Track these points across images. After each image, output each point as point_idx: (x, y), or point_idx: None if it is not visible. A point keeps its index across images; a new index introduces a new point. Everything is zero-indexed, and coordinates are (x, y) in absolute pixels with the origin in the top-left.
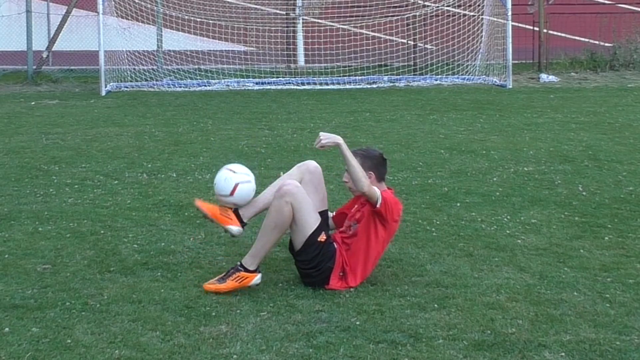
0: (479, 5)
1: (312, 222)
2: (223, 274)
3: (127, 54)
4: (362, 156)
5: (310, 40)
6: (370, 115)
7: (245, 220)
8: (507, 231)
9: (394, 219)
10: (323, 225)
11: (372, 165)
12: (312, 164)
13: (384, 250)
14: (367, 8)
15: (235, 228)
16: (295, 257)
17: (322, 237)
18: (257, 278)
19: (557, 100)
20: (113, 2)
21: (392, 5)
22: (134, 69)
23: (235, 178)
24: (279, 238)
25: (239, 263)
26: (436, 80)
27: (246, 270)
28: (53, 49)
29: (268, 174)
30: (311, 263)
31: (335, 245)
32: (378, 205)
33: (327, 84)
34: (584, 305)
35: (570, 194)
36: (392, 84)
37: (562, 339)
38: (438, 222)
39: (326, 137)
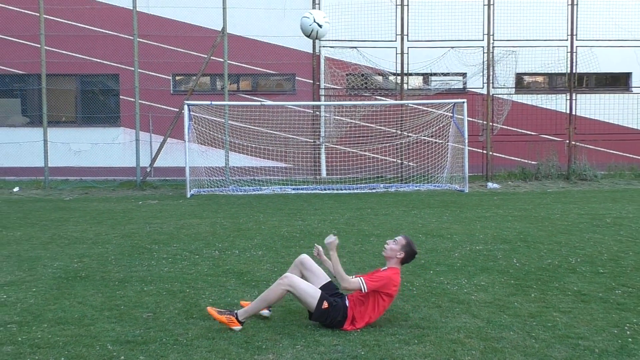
0: (445, 136)
1: (313, 298)
2: (224, 310)
3: (204, 169)
4: (407, 242)
5: (329, 159)
6: (371, 211)
7: (241, 320)
8: (465, 290)
9: (389, 291)
10: (325, 296)
11: (406, 253)
12: (302, 258)
13: (385, 308)
14: (369, 137)
15: (237, 328)
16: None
17: (325, 305)
18: (238, 328)
19: (499, 201)
20: (195, 133)
21: (386, 135)
22: (210, 179)
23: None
24: (265, 308)
25: (237, 311)
26: (416, 187)
27: (236, 318)
28: (154, 165)
29: (301, 251)
30: (325, 322)
31: (347, 302)
32: (364, 291)
33: (341, 189)
34: (517, 341)
35: (508, 264)
36: (386, 190)
37: None
38: (417, 284)
39: (330, 241)
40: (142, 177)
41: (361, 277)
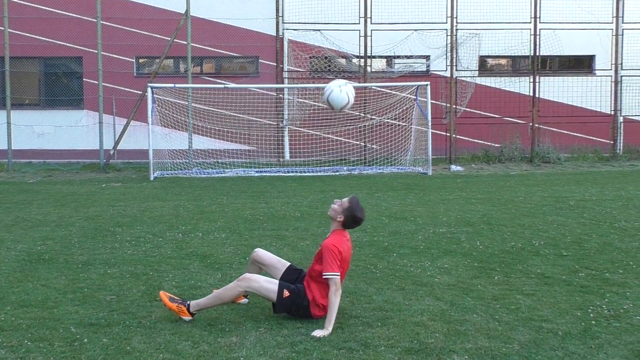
0: (408, 119)
1: (272, 290)
2: (177, 298)
3: (168, 152)
4: (349, 205)
5: (293, 141)
6: (334, 194)
7: (192, 312)
8: (428, 273)
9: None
10: (284, 285)
11: (345, 217)
12: (256, 253)
13: (341, 277)
14: (332, 120)
15: (186, 318)
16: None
17: (286, 293)
18: (188, 318)
19: (462, 183)
20: (158, 116)
21: (349, 118)
22: (173, 161)
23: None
24: (218, 305)
25: (189, 302)
26: (379, 169)
27: (188, 309)
28: (117, 148)
29: (265, 234)
30: (291, 311)
31: (304, 285)
32: (323, 276)
33: (305, 172)
34: (480, 324)
35: (471, 247)
36: (349, 172)
37: (465, 347)
38: (381, 267)
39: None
40: (106, 160)
41: (325, 273)
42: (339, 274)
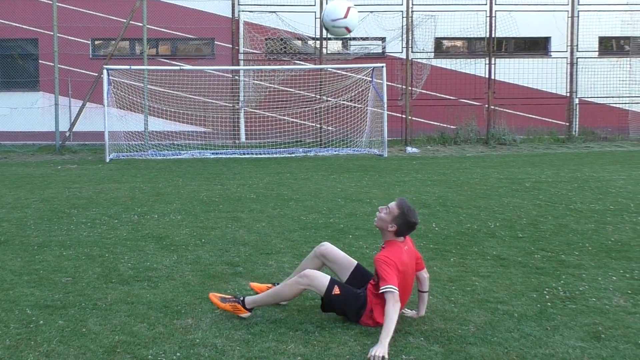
0: (364, 100)
1: (322, 285)
2: (229, 296)
3: (124, 133)
4: (400, 212)
5: (249, 123)
6: (290, 175)
7: (249, 308)
8: None
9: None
10: (335, 281)
11: (398, 226)
12: (323, 249)
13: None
14: (288, 102)
15: (245, 315)
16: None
17: (336, 291)
18: (246, 315)
19: (418, 165)
20: (114, 97)
21: (305, 100)
22: (129, 143)
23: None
24: (274, 303)
25: (242, 297)
26: (335, 151)
27: (243, 305)
28: (73, 130)
29: (220, 216)
30: (339, 310)
31: (367, 291)
32: (380, 291)
33: (260, 154)
34: (436, 305)
35: (427, 229)
36: (305, 154)
37: (421, 329)
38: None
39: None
40: (61, 142)
41: (382, 287)
42: (396, 288)
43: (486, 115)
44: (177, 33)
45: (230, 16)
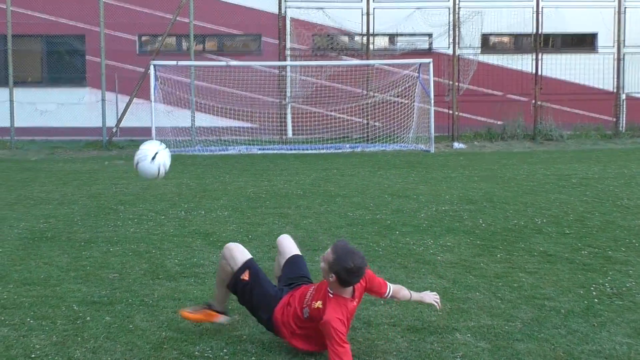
0: (411, 96)
1: (235, 264)
2: (197, 306)
3: (170, 129)
4: (334, 256)
5: (296, 119)
6: (337, 172)
7: (222, 310)
8: (431, 251)
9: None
10: (250, 265)
11: (338, 270)
12: (280, 240)
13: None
14: (335, 97)
15: (224, 319)
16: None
17: (245, 276)
18: (222, 319)
19: (465, 161)
20: (161, 93)
21: (352, 95)
22: (176, 139)
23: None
24: (223, 286)
25: (209, 302)
26: (382, 147)
27: (212, 308)
28: (120, 126)
29: (267, 212)
30: (243, 302)
31: (288, 296)
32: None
33: (307, 149)
34: (483, 302)
35: (474, 225)
36: (352, 150)
37: (468, 325)
38: (383, 245)
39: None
40: (109, 138)
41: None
42: (347, 346)
43: (533, 111)
44: (224, 29)
45: (277, 12)
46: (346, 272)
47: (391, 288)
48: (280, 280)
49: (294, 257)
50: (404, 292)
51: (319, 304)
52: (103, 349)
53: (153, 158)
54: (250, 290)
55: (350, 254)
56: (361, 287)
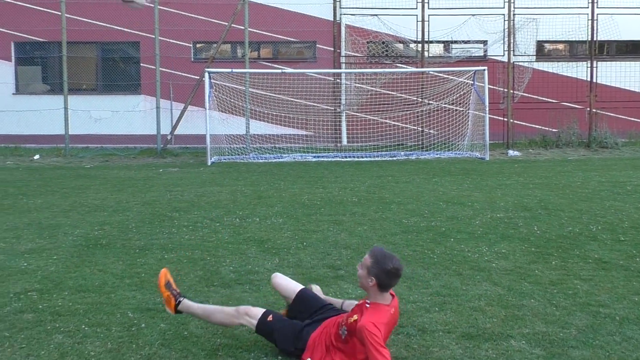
0: (466, 104)
1: (256, 317)
2: (175, 288)
3: (225, 137)
4: (373, 260)
5: (350, 127)
6: (392, 179)
7: (179, 310)
8: (486, 258)
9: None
10: (270, 311)
11: (377, 273)
12: (271, 281)
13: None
14: (390, 105)
15: (169, 311)
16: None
17: (269, 317)
18: (170, 312)
19: (520, 168)
20: (215, 100)
21: (407, 103)
22: (230, 146)
23: None
24: (205, 320)
25: (181, 298)
26: (437, 154)
27: (176, 305)
28: (175, 133)
29: (322, 219)
30: (273, 340)
31: (311, 335)
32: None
33: (362, 157)
34: (538, 309)
35: (529, 232)
36: (406, 157)
37: (523, 332)
38: (438, 252)
39: None
40: (163, 145)
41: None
42: (385, 351)
43: (588, 119)
44: (279, 36)
45: (332, 19)
46: (386, 274)
47: None
48: (301, 318)
49: (302, 293)
50: None
51: (355, 317)
52: (158, 356)
53: None
54: (277, 327)
55: (388, 256)
56: (396, 311)
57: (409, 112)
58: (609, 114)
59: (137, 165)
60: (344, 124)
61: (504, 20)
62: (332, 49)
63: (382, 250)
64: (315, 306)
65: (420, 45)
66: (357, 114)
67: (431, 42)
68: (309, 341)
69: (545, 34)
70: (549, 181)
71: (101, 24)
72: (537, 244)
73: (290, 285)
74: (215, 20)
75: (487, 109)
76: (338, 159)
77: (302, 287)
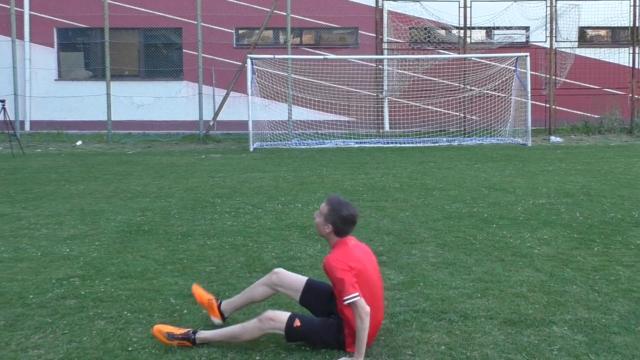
0: (508, 89)
1: (283, 323)
2: (178, 332)
3: (267, 122)
4: (330, 207)
5: (392, 112)
6: (434, 165)
7: (226, 316)
8: (528, 244)
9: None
10: (295, 315)
11: (334, 219)
12: (273, 277)
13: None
14: (432, 91)
15: (217, 321)
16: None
17: (297, 323)
18: (217, 319)
19: (562, 155)
20: (258, 86)
21: (449, 89)
22: (272, 132)
23: None
24: (230, 343)
25: (194, 335)
26: (479, 140)
27: (193, 343)
28: (217, 119)
29: (364, 205)
30: (311, 343)
31: (339, 314)
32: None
33: (404, 143)
34: (580, 295)
35: (571, 218)
36: (448, 143)
37: (565, 318)
38: (480, 238)
39: None
40: (205, 131)
41: (345, 299)
42: (357, 294)
43: (630, 105)
44: (321, 22)
45: (374, 5)
46: (341, 220)
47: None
48: (316, 308)
49: (310, 283)
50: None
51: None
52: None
53: None
54: (309, 329)
55: (344, 204)
56: (363, 252)
57: (451, 98)
58: None
59: (179, 152)
60: (386, 110)
61: (546, 6)
62: (375, 35)
63: (338, 198)
64: (326, 293)
65: (462, 31)
66: (400, 100)
67: (473, 28)
68: (345, 331)
69: (588, 20)
70: (591, 167)
71: (143, 9)
72: (579, 230)
73: (297, 280)
74: (258, 6)
75: (530, 95)
76: (380, 145)
77: (307, 277)
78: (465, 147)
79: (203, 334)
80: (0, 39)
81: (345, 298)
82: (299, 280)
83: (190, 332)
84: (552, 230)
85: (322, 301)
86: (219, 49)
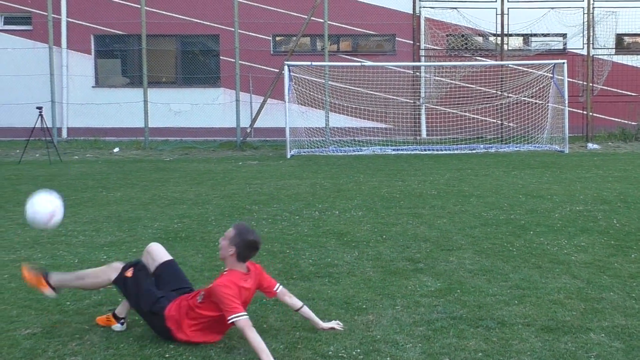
0: (545, 97)
1: (118, 269)
2: (36, 270)
3: (304, 129)
4: (236, 231)
5: (430, 119)
6: (471, 172)
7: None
8: (565, 251)
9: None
10: (131, 264)
11: (238, 243)
12: (148, 247)
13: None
14: (469, 98)
15: (49, 292)
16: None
17: (129, 273)
18: (49, 292)
19: (599, 162)
20: (295, 94)
21: (486, 96)
22: (310, 139)
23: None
24: (79, 287)
25: (47, 272)
26: (516, 147)
27: (46, 279)
28: (254, 126)
29: (401, 212)
30: (128, 298)
31: (171, 302)
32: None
33: (441, 150)
34: (617, 302)
35: (608, 225)
36: (486, 150)
37: (602, 325)
38: (517, 245)
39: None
40: (242, 138)
41: (229, 317)
42: (243, 314)
43: None
44: (358, 29)
45: (411, 12)
46: (245, 245)
47: (280, 286)
48: (160, 287)
49: (174, 263)
50: (294, 300)
51: (211, 284)
52: (237, 349)
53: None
54: (134, 285)
55: (250, 230)
56: (256, 271)
57: (488, 105)
58: None
59: (216, 158)
60: (423, 116)
61: (583, 13)
62: (412, 42)
63: (244, 224)
64: (180, 282)
65: (499, 38)
66: (437, 106)
67: (510, 35)
68: (166, 312)
69: (625, 27)
70: (628, 174)
71: (180, 16)
72: (617, 237)
73: (164, 254)
74: (295, 13)
75: (567, 102)
76: (417, 151)
77: (171, 258)
78: (503, 154)
79: (55, 277)
80: (38, 46)
81: (231, 317)
82: (166, 255)
83: (44, 272)
84: (590, 237)
85: (170, 282)
86: (256, 56)
